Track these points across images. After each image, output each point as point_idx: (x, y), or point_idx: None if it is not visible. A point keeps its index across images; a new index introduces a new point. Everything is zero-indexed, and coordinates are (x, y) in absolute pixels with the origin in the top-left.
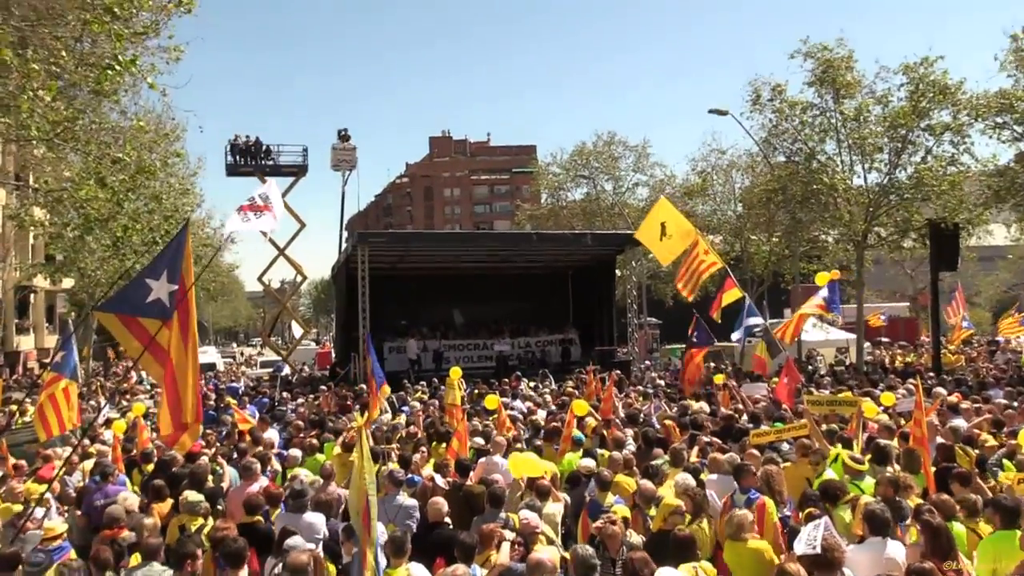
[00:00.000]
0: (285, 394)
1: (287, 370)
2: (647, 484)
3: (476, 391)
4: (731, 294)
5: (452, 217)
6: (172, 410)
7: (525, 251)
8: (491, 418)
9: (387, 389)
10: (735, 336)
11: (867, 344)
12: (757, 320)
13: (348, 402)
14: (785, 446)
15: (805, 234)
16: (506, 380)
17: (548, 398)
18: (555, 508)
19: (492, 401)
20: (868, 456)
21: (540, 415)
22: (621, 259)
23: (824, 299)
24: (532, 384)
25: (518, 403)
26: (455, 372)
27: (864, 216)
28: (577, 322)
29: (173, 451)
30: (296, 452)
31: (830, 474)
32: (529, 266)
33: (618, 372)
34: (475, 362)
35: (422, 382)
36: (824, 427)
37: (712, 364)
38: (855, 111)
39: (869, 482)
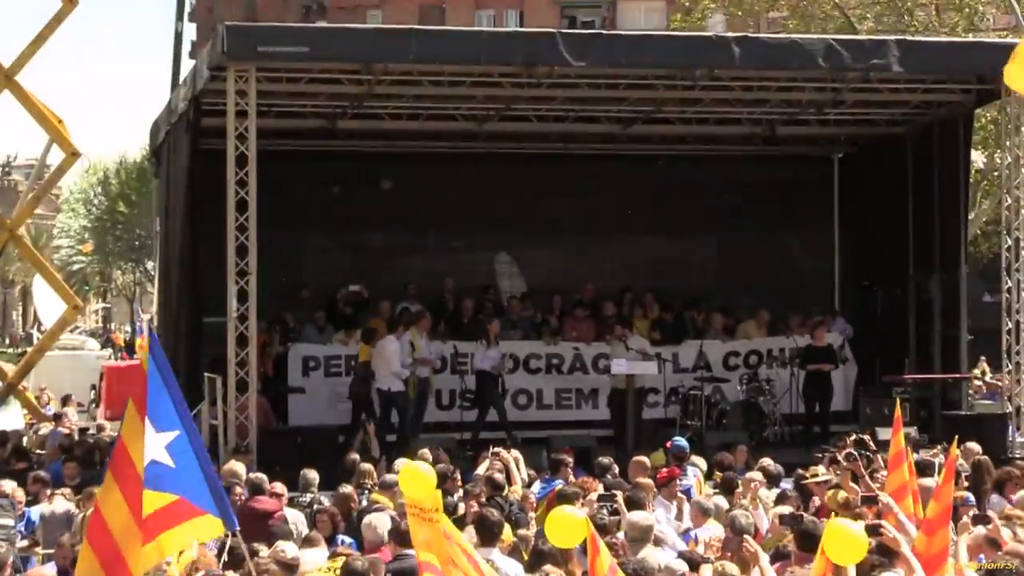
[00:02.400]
0: (9, 486)
1: (14, 419)
2: None
3: (559, 488)
4: None
5: None
6: None
7: (706, 91)
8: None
9: (213, 526)
10: None
11: None
12: None
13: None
14: None
15: None
16: (647, 459)
17: (763, 516)
18: None
19: (565, 525)
20: None
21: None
22: (985, 119)
23: None
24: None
25: (665, 522)
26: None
27: None
28: (854, 300)
29: None
30: None
31: None
32: (713, 136)
33: (975, 452)
34: (548, 406)
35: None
36: None
37: None
38: None
39: None
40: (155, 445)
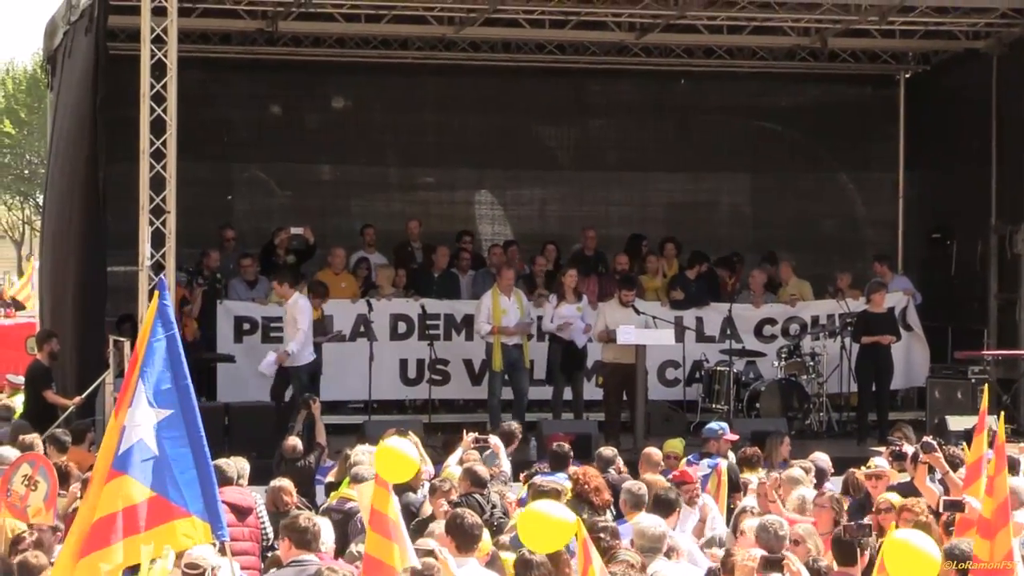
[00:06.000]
0: None
1: None
2: None
3: (532, 483)
4: None
5: None
6: None
7: None
8: None
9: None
10: None
11: None
12: None
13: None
14: None
15: None
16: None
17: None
18: None
19: (544, 526)
20: None
21: None
22: None
23: None
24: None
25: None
26: None
27: None
28: (922, 256)
29: None
30: None
31: None
32: (749, 48)
33: None
34: (539, 381)
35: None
36: None
37: None
38: None
39: None
40: (146, 423)
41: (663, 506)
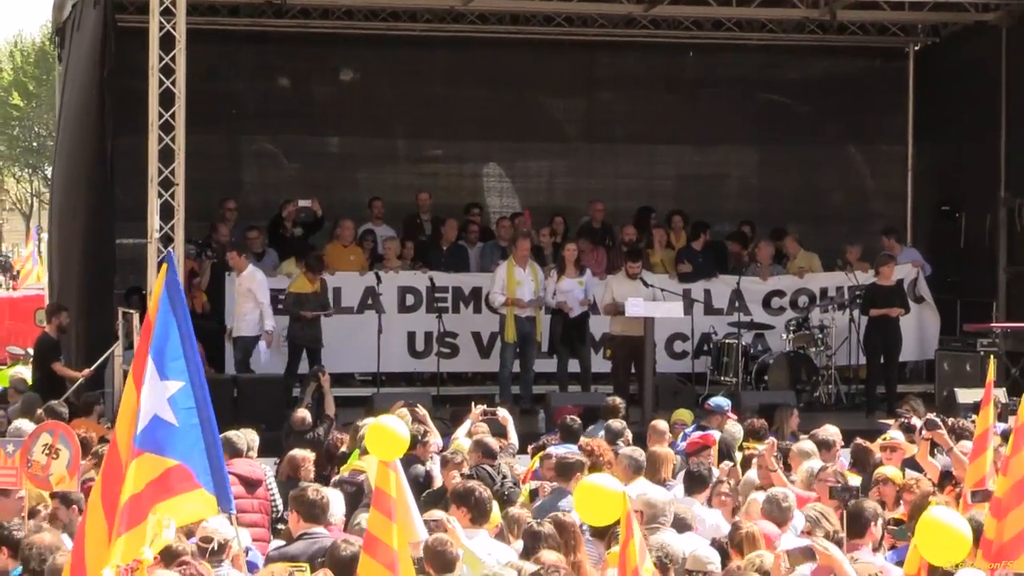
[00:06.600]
0: None
1: None
2: None
3: (558, 458)
4: None
5: None
6: None
7: None
8: None
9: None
10: None
11: None
12: None
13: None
14: None
15: None
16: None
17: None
18: None
19: (598, 499)
20: None
21: None
22: None
23: None
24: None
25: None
26: None
27: None
28: (931, 228)
29: None
30: None
31: None
32: (758, 20)
33: None
34: (543, 354)
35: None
36: None
37: None
38: None
39: None
40: (158, 397)
41: (696, 481)
